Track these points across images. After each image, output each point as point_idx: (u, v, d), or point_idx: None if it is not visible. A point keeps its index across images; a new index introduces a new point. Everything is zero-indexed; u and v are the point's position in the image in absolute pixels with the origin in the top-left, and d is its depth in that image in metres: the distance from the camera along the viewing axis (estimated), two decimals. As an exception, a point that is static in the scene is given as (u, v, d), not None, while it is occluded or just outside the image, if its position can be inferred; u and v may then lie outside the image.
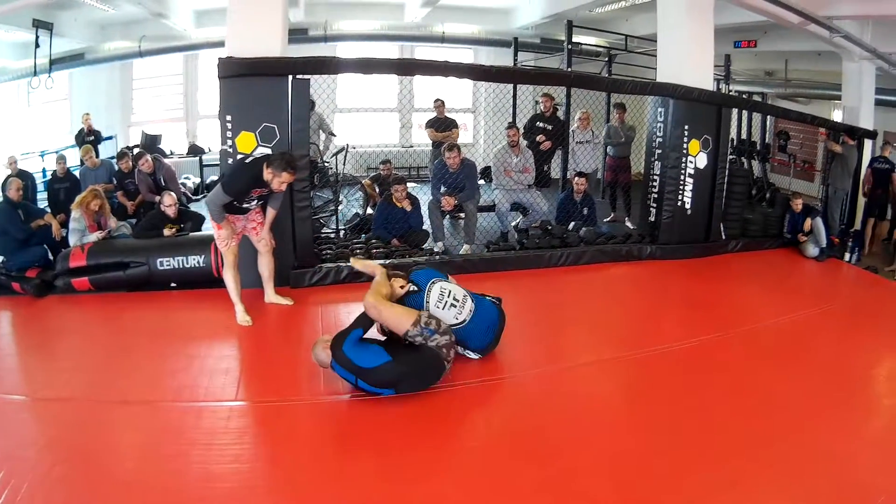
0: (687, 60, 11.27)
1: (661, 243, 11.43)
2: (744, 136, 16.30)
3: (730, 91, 17.95)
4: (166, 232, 9.92)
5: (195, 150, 18.48)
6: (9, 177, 10.37)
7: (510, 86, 14.59)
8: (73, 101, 18.46)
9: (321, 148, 12.67)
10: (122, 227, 10.23)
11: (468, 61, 18.04)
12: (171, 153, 18.03)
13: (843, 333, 8.49)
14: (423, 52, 19.63)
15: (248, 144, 8.89)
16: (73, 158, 13.96)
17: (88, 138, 15.21)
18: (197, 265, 9.23)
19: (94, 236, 9.54)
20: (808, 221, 11.90)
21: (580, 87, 12.72)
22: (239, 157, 8.72)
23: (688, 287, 10.24)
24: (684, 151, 11.20)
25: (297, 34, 16.28)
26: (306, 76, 9.16)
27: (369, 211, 12.57)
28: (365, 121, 19.51)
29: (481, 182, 12.57)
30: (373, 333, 6.48)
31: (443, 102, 14.09)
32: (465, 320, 6.76)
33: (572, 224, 11.61)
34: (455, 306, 6.77)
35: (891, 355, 8.00)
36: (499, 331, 7.03)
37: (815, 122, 14.01)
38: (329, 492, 4.85)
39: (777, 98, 19.64)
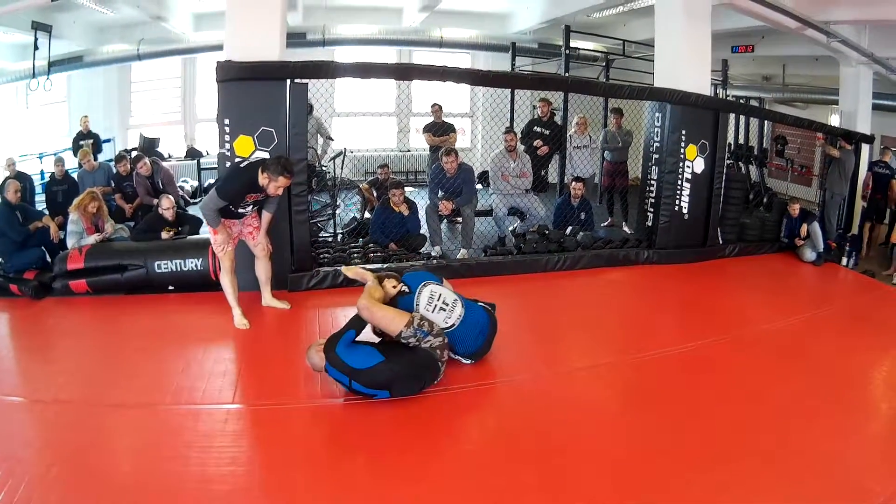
0: (684, 65, 11.29)
1: (659, 248, 11.44)
2: (741, 140, 16.30)
3: (727, 96, 17.93)
4: (164, 235, 9.95)
5: (193, 154, 18.48)
6: (7, 178, 10.41)
7: (508, 90, 14.60)
8: (71, 104, 18.48)
9: (319, 152, 12.70)
10: (119, 230, 10.23)
11: (466, 66, 18.22)
12: (169, 156, 18.09)
13: (840, 337, 8.51)
14: (421, 56, 19.59)
15: (246, 148, 8.90)
16: (71, 161, 13.98)
17: (86, 141, 15.19)
18: (195, 268, 9.22)
19: (92, 239, 9.54)
20: (805, 226, 11.90)
21: (577, 92, 12.81)
22: (235, 161, 8.71)
23: (685, 291, 10.26)
24: (681, 156, 11.22)
25: (296, 38, 16.35)
26: (304, 80, 9.17)
27: (367, 215, 12.58)
28: (363, 125, 19.52)
29: (479, 186, 12.55)
30: (367, 336, 6.47)
31: (440, 107, 14.08)
32: (454, 324, 6.76)
33: (569, 229, 11.61)
34: (444, 310, 6.78)
35: (888, 359, 8.03)
36: (490, 336, 7.03)
37: (812, 126, 14.00)
38: (325, 494, 4.86)
39: (774, 103, 19.62)
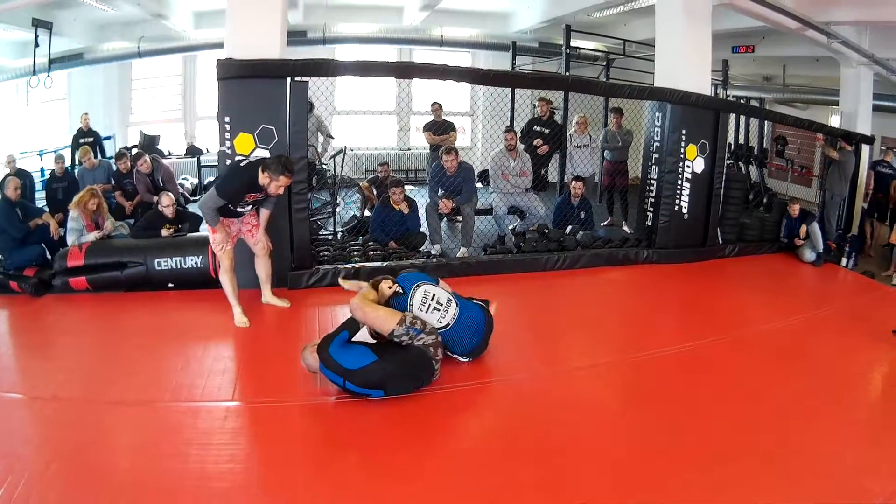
0: (685, 65, 11.31)
1: (658, 247, 11.45)
2: (741, 140, 16.29)
3: (727, 96, 17.93)
4: (164, 232, 9.97)
5: (193, 151, 18.50)
6: (7, 176, 10.41)
7: (508, 89, 14.58)
8: (71, 101, 18.48)
9: (319, 150, 12.70)
10: (119, 227, 10.25)
11: (466, 65, 18.18)
12: (170, 154, 18.06)
13: (839, 338, 8.50)
14: (422, 55, 19.59)
15: (247, 146, 8.92)
16: (69, 158, 13.99)
17: (87, 139, 15.21)
18: (195, 265, 9.23)
19: (92, 236, 9.56)
20: (805, 227, 11.91)
21: (578, 92, 12.82)
22: (234, 160, 8.75)
23: (684, 291, 10.27)
24: (681, 156, 11.23)
25: (296, 36, 16.35)
26: (305, 78, 9.18)
27: (367, 213, 12.59)
28: (363, 123, 19.51)
29: (479, 185, 12.55)
30: (363, 337, 6.45)
31: (440, 106, 14.08)
32: (448, 324, 6.77)
33: (569, 228, 11.62)
34: (438, 310, 6.79)
35: (886, 359, 8.00)
36: (485, 334, 7.03)
37: (812, 127, 13.99)
38: (323, 492, 4.86)
39: (775, 103, 19.61)
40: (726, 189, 11.94)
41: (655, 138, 11.49)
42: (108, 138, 16.59)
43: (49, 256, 9.65)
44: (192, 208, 10.82)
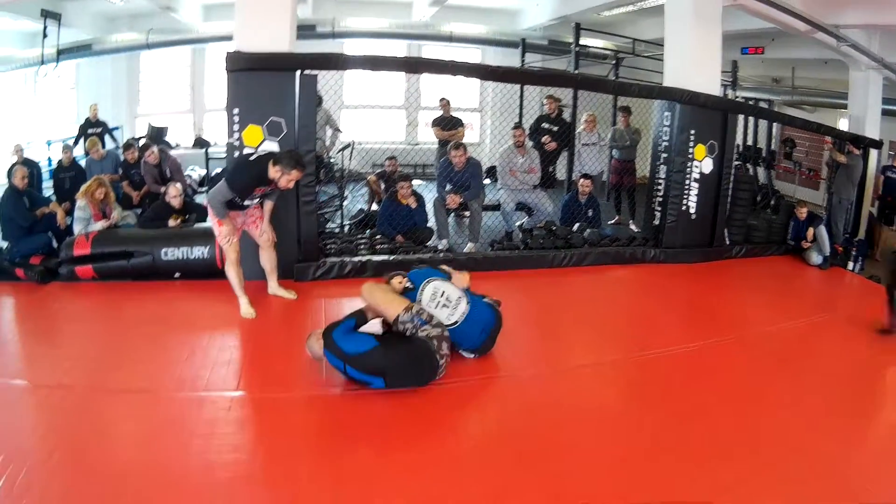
0: (694, 65, 11.27)
1: (665, 247, 11.42)
2: (750, 142, 16.27)
3: (736, 97, 17.91)
4: (171, 223, 9.96)
5: (201, 143, 18.46)
6: (14, 164, 10.41)
7: (517, 86, 14.53)
8: (79, 92, 18.52)
9: (327, 143, 12.71)
10: (126, 217, 10.28)
11: (475, 61, 18.08)
12: (177, 145, 18.05)
13: (843, 342, 8.48)
14: (431, 50, 19.61)
15: (255, 138, 8.94)
16: (78, 148, 14.01)
17: (95, 129, 15.21)
18: (201, 256, 9.24)
19: (99, 225, 9.60)
20: (812, 230, 11.88)
21: (587, 90, 12.77)
22: (243, 152, 8.79)
23: (690, 291, 10.24)
24: (690, 156, 11.19)
25: (305, 30, 16.24)
26: (314, 72, 9.19)
27: (374, 207, 12.61)
28: (371, 118, 19.44)
29: (486, 181, 12.54)
30: (372, 329, 6.42)
31: (449, 101, 14.08)
32: (457, 321, 6.74)
33: (577, 225, 11.61)
34: (447, 307, 6.77)
35: (890, 365, 7.97)
36: (494, 332, 7.00)
37: (820, 130, 13.91)
38: (325, 484, 4.86)
39: (783, 105, 19.58)
40: (734, 190, 11.92)
41: (664, 138, 11.47)
42: (115, 129, 16.56)
43: (55, 245, 9.65)
44: (200, 199, 10.80)
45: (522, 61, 18.19)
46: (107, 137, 15.27)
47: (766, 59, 18.49)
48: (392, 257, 9.87)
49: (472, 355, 6.94)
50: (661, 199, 11.59)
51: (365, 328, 6.36)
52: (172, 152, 13.53)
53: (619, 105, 14.77)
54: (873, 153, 14.39)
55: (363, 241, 10.48)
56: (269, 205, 8.25)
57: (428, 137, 17.46)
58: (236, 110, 8.96)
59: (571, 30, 16.41)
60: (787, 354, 7.79)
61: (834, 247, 12.10)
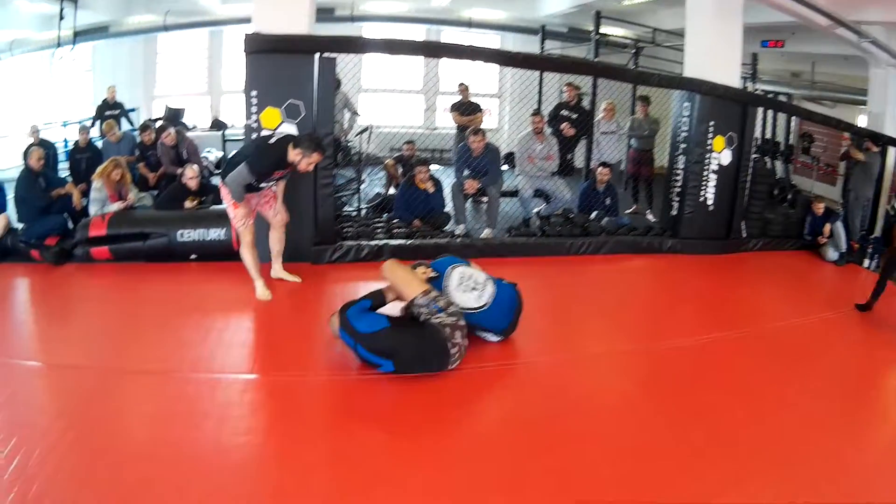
0: (714, 57, 11.20)
1: (682, 237, 11.40)
2: (768, 135, 16.20)
3: (756, 90, 17.84)
4: (187, 204, 10.00)
5: (218, 125, 18.52)
6: (30, 146, 10.42)
7: (536, 73, 14.58)
8: (96, 73, 18.52)
9: (345, 127, 12.70)
10: (143, 199, 10.31)
11: (494, 47, 18.04)
12: (194, 127, 18.04)
13: (856, 340, 8.43)
14: (450, 35, 19.50)
15: (273, 120, 8.94)
16: (94, 129, 14.03)
17: (112, 111, 15.24)
18: (217, 238, 9.27)
19: (115, 206, 9.61)
20: (829, 225, 11.82)
21: (607, 78, 12.69)
22: (261, 135, 8.75)
23: (706, 283, 10.20)
24: (708, 147, 11.14)
25: (324, 13, 16.19)
26: (333, 55, 9.17)
27: (391, 191, 12.63)
28: (389, 102, 19.50)
29: (504, 167, 12.53)
30: (389, 310, 6.45)
31: (467, 86, 14.05)
32: (486, 303, 6.71)
33: (594, 213, 11.60)
34: (476, 289, 6.73)
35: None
36: (517, 311, 6.99)
37: (839, 126, 13.90)
38: (338, 469, 4.87)
39: (802, 100, 19.53)
40: (752, 183, 11.86)
41: (683, 128, 11.41)
42: (132, 111, 16.64)
43: (71, 226, 9.69)
44: (216, 181, 10.82)
45: (542, 48, 18.17)
46: (123, 120, 15.31)
47: (785, 52, 18.36)
48: (409, 242, 9.88)
49: (497, 338, 6.96)
50: (678, 190, 11.54)
51: (384, 310, 6.37)
52: (189, 134, 13.56)
53: (637, 94, 14.71)
54: (892, 150, 14.26)
55: (380, 225, 10.48)
56: (281, 185, 8.24)
57: (446, 122, 17.45)
58: (254, 92, 8.96)
59: (591, 17, 16.36)
60: (799, 351, 7.73)
61: (850, 243, 12.03)
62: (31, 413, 5.40)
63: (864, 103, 16.13)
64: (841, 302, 9.41)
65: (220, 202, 8.62)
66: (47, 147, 11.38)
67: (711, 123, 11.06)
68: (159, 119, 16.14)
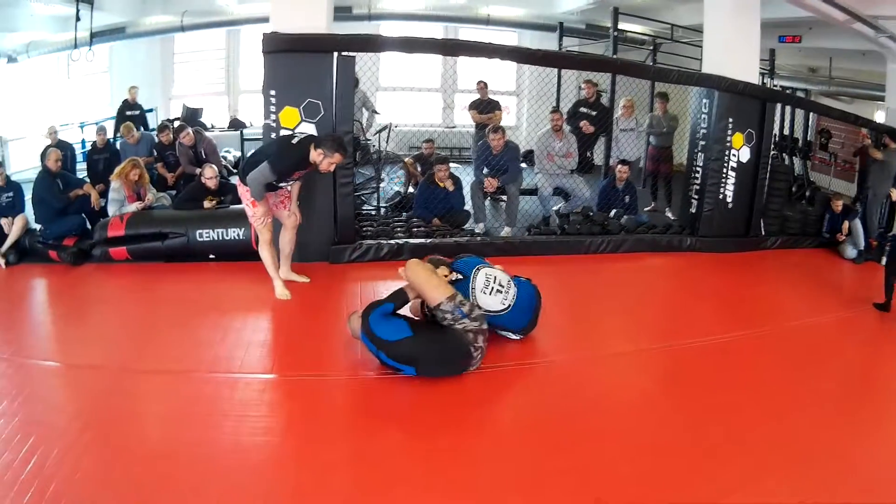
0: (733, 52, 11.17)
1: (701, 235, 11.35)
2: (785, 132, 16.16)
3: (774, 86, 17.79)
4: (206, 204, 9.96)
5: (236, 125, 18.50)
6: (48, 147, 10.52)
7: (554, 70, 14.53)
8: (113, 74, 18.59)
9: (364, 125, 12.69)
10: (161, 199, 10.35)
11: (512, 44, 18.00)
12: (212, 127, 18.07)
13: (874, 339, 8.42)
14: (467, 33, 19.36)
15: (292, 119, 8.94)
16: (112, 130, 14.06)
17: (133, 111, 15.28)
18: (236, 238, 9.31)
19: (134, 207, 9.65)
20: (847, 223, 11.76)
21: (626, 75, 12.68)
22: (282, 135, 8.78)
23: (724, 282, 10.14)
24: (728, 144, 11.08)
25: (341, 12, 16.19)
26: (352, 53, 9.17)
27: (410, 190, 12.60)
28: (408, 100, 19.51)
29: (523, 165, 12.51)
30: (407, 311, 6.47)
31: (486, 84, 14.02)
32: (510, 305, 6.72)
33: (613, 212, 11.56)
34: (501, 292, 6.72)
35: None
36: (537, 308, 7.00)
37: (857, 122, 13.78)
38: (358, 469, 4.87)
39: (820, 96, 19.45)
40: (770, 180, 11.79)
41: (702, 125, 11.36)
42: (150, 111, 16.68)
43: (89, 227, 9.69)
44: (235, 181, 10.85)
45: (560, 45, 18.13)
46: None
47: (803, 47, 18.31)
48: (429, 241, 9.87)
49: (518, 336, 6.96)
50: (697, 187, 11.49)
51: (402, 311, 6.36)
52: (207, 134, 13.53)
53: (656, 91, 14.66)
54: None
55: (400, 223, 10.48)
56: (296, 186, 8.26)
57: (464, 120, 17.35)
58: (273, 92, 8.96)
59: (609, 14, 16.41)
60: (816, 350, 7.70)
61: (868, 241, 11.96)
62: (49, 412, 5.44)
63: (881, 99, 16.05)
64: (859, 301, 9.36)
65: (238, 202, 8.62)
66: (65, 148, 11.45)
67: (730, 120, 10.99)
68: (177, 119, 16.17)
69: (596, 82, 13.68)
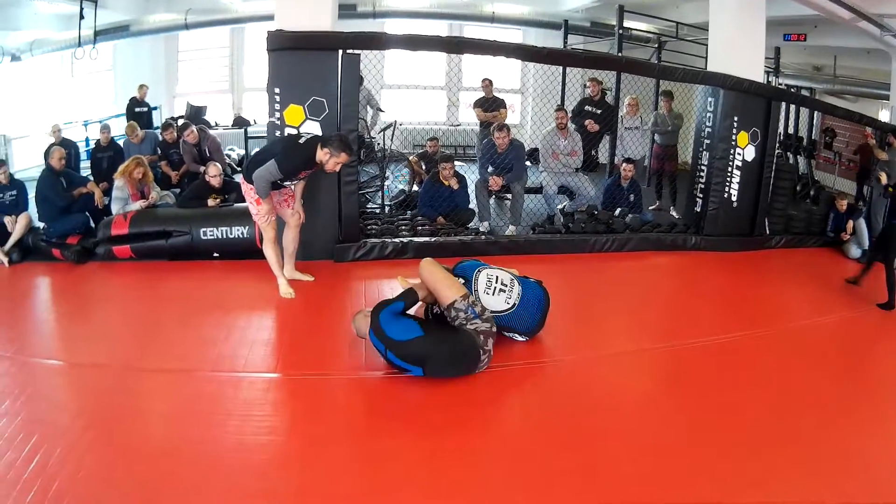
0: (738, 51, 11.14)
1: (706, 234, 11.34)
2: (791, 130, 16.13)
3: (778, 84, 17.77)
4: (210, 202, 9.96)
5: (240, 122, 18.56)
6: (52, 145, 10.46)
7: (559, 68, 14.55)
8: (117, 72, 18.61)
9: (368, 123, 12.68)
10: (165, 197, 10.33)
11: (517, 42, 17.99)
12: (216, 125, 18.13)
13: (878, 338, 8.44)
14: (472, 31, 19.45)
15: (297, 117, 8.95)
16: (117, 128, 14.04)
17: (142, 108, 15.38)
18: (240, 236, 9.29)
19: (137, 205, 9.64)
20: (851, 222, 11.75)
21: (631, 73, 12.60)
22: (287, 133, 8.81)
23: (729, 281, 10.13)
24: (733, 143, 11.07)
25: (346, 10, 16.24)
26: (357, 51, 9.16)
27: (415, 188, 12.56)
28: (412, 98, 19.53)
29: (528, 164, 12.49)
30: (412, 312, 6.43)
31: (491, 82, 14.00)
32: (514, 304, 6.69)
33: (618, 210, 11.56)
34: (504, 291, 6.70)
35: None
36: (545, 310, 6.95)
37: (862, 120, 13.72)
38: (361, 470, 4.85)
39: (824, 94, 19.48)
40: (775, 179, 11.75)
41: (707, 124, 11.35)
42: (155, 108, 16.71)
43: (93, 225, 9.70)
44: (239, 179, 10.86)
45: (565, 43, 18.16)
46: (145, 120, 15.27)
47: (808, 46, 18.29)
48: (433, 239, 9.88)
49: (524, 338, 6.94)
50: (702, 186, 11.49)
51: (412, 311, 6.36)
52: (211, 132, 13.53)
53: (661, 90, 14.63)
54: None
55: (404, 222, 10.49)
56: (300, 185, 8.28)
57: (469, 118, 17.38)
58: (277, 90, 8.95)
59: (614, 12, 16.41)
60: (822, 350, 7.74)
61: (872, 240, 11.88)
62: (52, 411, 5.43)
63: (886, 97, 16.11)
64: (863, 300, 9.37)
65: (242, 200, 8.61)
66: (68, 146, 11.42)
67: (735, 119, 10.98)
68: (181, 117, 16.13)
69: (601, 80, 13.68)
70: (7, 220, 9.28)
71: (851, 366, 7.41)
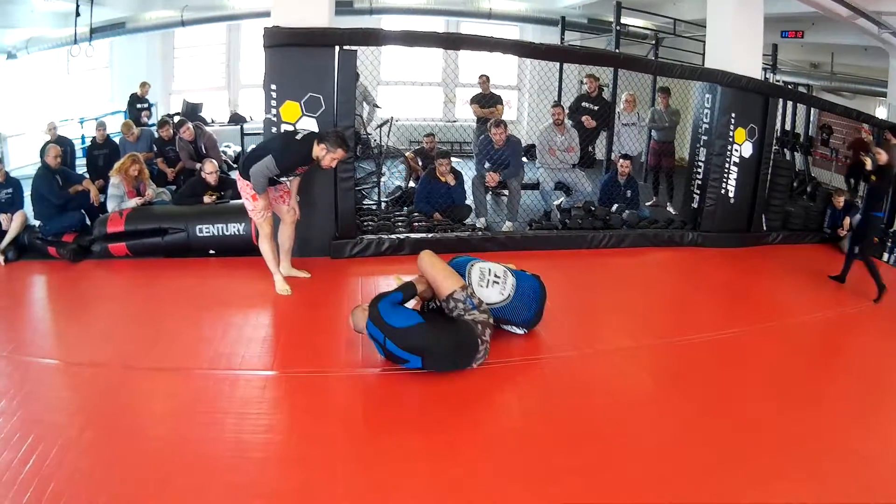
0: (736, 47, 11.14)
1: (703, 230, 11.35)
2: (788, 127, 16.13)
3: (776, 81, 17.77)
4: (206, 199, 9.98)
5: (237, 119, 18.46)
6: (47, 143, 10.48)
7: (556, 64, 14.66)
8: (113, 69, 18.56)
9: (365, 119, 12.67)
10: (161, 194, 10.32)
11: (514, 38, 17.99)
12: (213, 121, 18.06)
13: (877, 334, 8.43)
14: (469, 27, 19.50)
15: (293, 114, 8.94)
16: (113, 125, 14.03)
17: (143, 104, 15.47)
18: (236, 233, 9.27)
19: (133, 202, 9.65)
20: (848, 218, 11.72)
21: (629, 69, 12.64)
22: (284, 129, 8.83)
23: (727, 277, 10.17)
24: (730, 139, 11.07)
25: (342, 6, 16.18)
26: (354, 47, 9.14)
27: (411, 184, 12.59)
28: (409, 94, 19.50)
29: (525, 160, 12.49)
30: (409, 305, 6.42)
31: (488, 78, 14.00)
32: (509, 295, 6.72)
33: (615, 206, 11.56)
34: (498, 282, 6.74)
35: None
36: (541, 301, 6.98)
37: (859, 117, 13.72)
38: (360, 467, 4.83)
39: (822, 91, 19.46)
40: (772, 175, 11.76)
41: (704, 120, 11.36)
42: (152, 105, 16.66)
43: (89, 223, 9.66)
44: (235, 175, 10.86)
45: (562, 39, 18.13)
46: (142, 117, 15.31)
47: (805, 43, 18.26)
48: (430, 235, 9.87)
49: (522, 331, 6.97)
50: (700, 182, 11.49)
51: (410, 304, 6.35)
52: (208, 128, 13.52)
53: (658, 86, 14.63)
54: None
55: (401, 218, 10.48)
56: (296, 182, 8.27)
57: (465, 114, 17.29)
58: (273, 86, 8.95)
59: (611, 8, 16.34)
60: (821, 346, 7.86)
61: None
62: (49, 411, 5.43)
63: (883, 95, 16.08)
64: (860, 296, 9.37)
65: (238, 197, 8.60)
66: (64, 144, 11.40)
67: (733, 115, 10.98)
68: (177, 114, 16.12)
69: (598, 77, 13.72)
70: (2, 218, 9.25)
71: (850, 362, 7.49)
